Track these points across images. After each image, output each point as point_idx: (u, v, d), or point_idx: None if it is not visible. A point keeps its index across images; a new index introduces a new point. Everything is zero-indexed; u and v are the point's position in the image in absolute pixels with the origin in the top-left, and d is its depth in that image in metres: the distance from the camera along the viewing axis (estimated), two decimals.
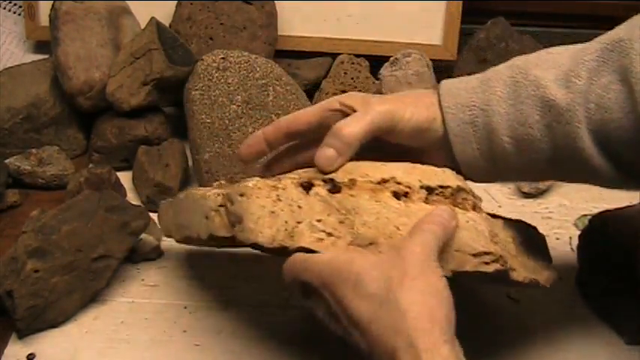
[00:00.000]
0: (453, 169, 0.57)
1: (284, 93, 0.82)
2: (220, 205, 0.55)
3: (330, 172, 0.54)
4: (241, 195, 0.53)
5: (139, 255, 0.73)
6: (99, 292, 0.69)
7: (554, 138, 0.53)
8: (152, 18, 0.87)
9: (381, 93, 0.96)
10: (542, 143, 0.53)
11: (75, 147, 0.92)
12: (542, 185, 0.85)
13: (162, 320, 0.67)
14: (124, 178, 0.84)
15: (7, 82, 0.89)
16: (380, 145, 0.58)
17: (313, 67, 1.00)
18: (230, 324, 0.67)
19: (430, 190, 0.54)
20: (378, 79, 0.97)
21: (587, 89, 0.52)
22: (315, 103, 0.93)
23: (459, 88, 0.57)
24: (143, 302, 0.70)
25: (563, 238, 0.78)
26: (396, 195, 0.54)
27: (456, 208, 0.54)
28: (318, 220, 0.52)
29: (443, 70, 0.99)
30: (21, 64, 0.94)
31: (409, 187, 0.54)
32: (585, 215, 0.80)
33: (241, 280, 0.72)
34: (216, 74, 0.81)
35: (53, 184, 0.85)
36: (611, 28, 0.57)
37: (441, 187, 0.55)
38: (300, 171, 0.56)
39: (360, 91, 0.94)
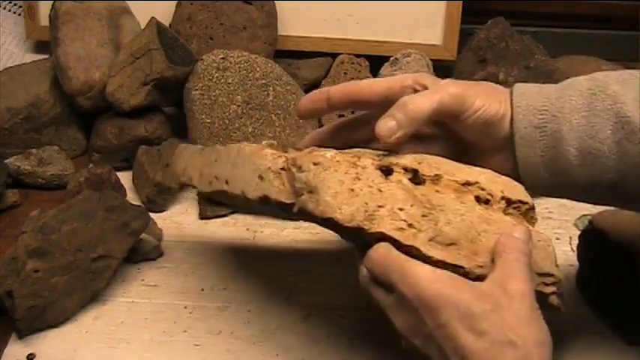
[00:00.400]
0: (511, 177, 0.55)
1: (284, 93, 0.82)
2: (282, 169, 0.53)
3: (390, 147, 0.52)
4: (315, 164, 0.51)
5: (139, 255, 0.73)
6: (99, 292, 0.69)
7: (622, 156, 0.51)
8: (152, 18, 0.87)
9: None
10: (609, 160, 0.51)
11: (75, 147, 0.92)
12: None
13: (162, 320, 0.67)
14: (124, 178, 0.84)
15: (7, 82, 0.89)
16: (437, 135, 0.56)
17: (313, 67, 1.00)
18: (230, 324, 0.67)
19: (509, 202, 0.53)
20: None
21: None
22: None
23: (533, 91, 0.55)
24: (143, 302, 0.70)
25: (563, 238, 0.78)
26: (478, 200, 0.52)
27: (530, 226, 0.53)
28: (400, 209, 0.50)
29: (443, 70, 0.99)
30: (21, 64, 0.94)
31: (491, 195, 0.53)
32: (585, 215, 0.80)
33: (241, 280, 0.72)
34: (216, 74, 0.81)
35: (53, 184, 0.85)
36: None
37: (520, 201, 0.53)
38: (372, 152, 0.54)
39: None
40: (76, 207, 0.69)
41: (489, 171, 0.54)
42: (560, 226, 0.80)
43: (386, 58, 0.98)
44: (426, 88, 0.54)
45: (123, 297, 0.70)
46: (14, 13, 1.07)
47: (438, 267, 0.49)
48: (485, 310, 0.45)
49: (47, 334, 0.66)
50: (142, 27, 0.89)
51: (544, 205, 0.84)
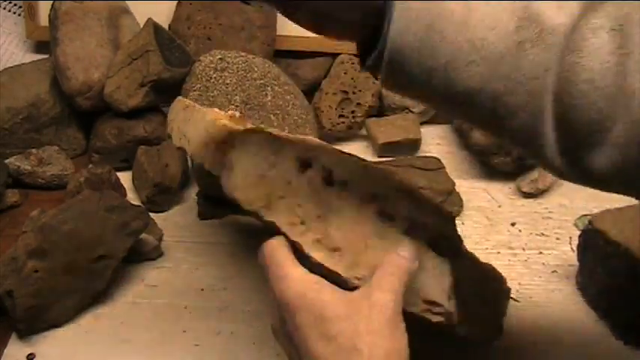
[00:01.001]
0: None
1: (282, 93, 0.82)
2: (223, 142, 0.54)
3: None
4: (241, 142, 0.52)
5: (138, 255, 0.73)
6: (99, 292, 0.69)
7: (519, 61, 0.42)
8: (149, 19, 0.86)
9: (380, 93, 0.96)
10: (504, 63, 0.42)
11: (75, 147, 0.92)
12: (542, 185, 0.84)
13: (162, 320, 0.67)
14: (124, 178, 0.84)
15: (7, 82, 0.89)
16: None
17: (313, 67, 1.00)
18: (229, 324, 0.67)
19: (414, 223, 0.53)
20: (377, 79, 0.97)
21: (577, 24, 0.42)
22: (315, 103, 0.94)
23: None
24: (143, 302, 0.70)
25: (563, 238, 0.78)
26: (381, 214, 0.53)
27: (430, 251, 0.53)
28: (299, 205, 0.51)
29: None
30: (21, 64, 0.94)
31: (396, 213, 0.53)
32: (585, 215, 0.80)
33: (241, 280, 0.72)
34: (214, 75, 0.81)
35: (53, 184, 0.85)
36: None
37: (424, 224, 0.53)
38: (305, 138, 0.54)
39: (360, 90, 0.94)
40: (76, 207, 0.69)
41: (413, 192, 0.53)
42: (560, 226, 0.80)
43: None
44: None
45: (123, 297, 0.70)
46: (14, 13, 1.07)
47: (317, 270, 0.49)
48: (339, 315, 0.45)
49: (47, 334, 0.66)
50: (142, 27, 0.89)
51: (544, 205, 0.84)
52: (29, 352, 0.64)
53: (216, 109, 0.60)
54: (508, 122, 0.44)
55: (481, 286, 0.59)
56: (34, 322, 0.65)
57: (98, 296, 0.69)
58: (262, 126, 0.55)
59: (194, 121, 0.60)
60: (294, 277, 0.47)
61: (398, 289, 0.47)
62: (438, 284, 0.53)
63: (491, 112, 0.44)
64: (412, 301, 0.52)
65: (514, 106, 0.43)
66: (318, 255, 0.50)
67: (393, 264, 0.48)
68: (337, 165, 0.53)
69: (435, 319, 0.53)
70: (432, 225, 0.53)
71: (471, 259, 0.58)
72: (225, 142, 0.54)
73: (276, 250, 0.49)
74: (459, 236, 0.56)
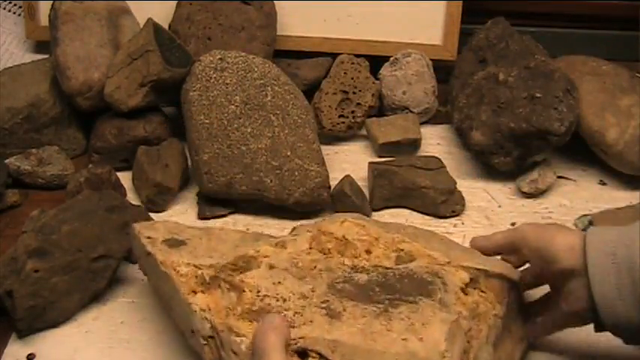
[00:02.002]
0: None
1: (282, 93, 0.82)
2: (210, 337, 0.55)
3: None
4: (235, 353, 0.53)
5: None
6: (99, 292, 0.69)
7: None
8: (149, 19, 0.86)
9: (380, 93, 0.96)
10: None
11: (75, 147, 0.92)
12: (542, 185, 0.84)
13: (163, 320, 0.67)
14: (124, 178, 0.84)
15: (7, 82, 0.89)
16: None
17: (313, 67, 1.00)
18: None
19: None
20: (378, 79, 0.97)
21: None
22: (315, 103, 0.94)
23: (605, 228, 0.57)
24: (143, 302, 0.70)
25: None
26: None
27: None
28: None
29: (443, 70, 0.99)
30: (21, 64, 0.94)
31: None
32: (585, 215, 0.80)
33: None
34: (214, 75, 0.81)
35: (53, 184, 0.85)
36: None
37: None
38: (293, 318, 0.55)
39: (360, 90, 0.94)
40: (76, 207, 0.69)
41: (411, 347, 0.53)
42: None
43: (386, 58, 0.98)
44: None
45: (123, 297, 0.70)
46: (14, 13, 1.07)
47: None
48: None
49: (47, 334, 0.66)
50: (142, 27, 0.89)
51: (544, 205, 0.84)
52: (29, 352, 0.64)
53: (180, 283, 0.58)
54: None
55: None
56: (34, 322, 0.65)
57: (98, 296, 0.69)
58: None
59: (170, 294, 0.59)
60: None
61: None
62: None
63: None
64: None
65: None
66: None
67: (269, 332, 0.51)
68: (331, 352, 0.52)
69: None
70: None
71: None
72: (212, 337, 0.55)
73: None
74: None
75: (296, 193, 0.79)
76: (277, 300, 0.56)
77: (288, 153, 0.80)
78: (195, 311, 0.56)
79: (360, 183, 0.83)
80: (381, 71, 0.97)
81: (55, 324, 0.66)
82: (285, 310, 0.55)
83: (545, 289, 0.63)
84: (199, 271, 0.58)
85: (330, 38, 1.03)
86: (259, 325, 0.52)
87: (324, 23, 1.03)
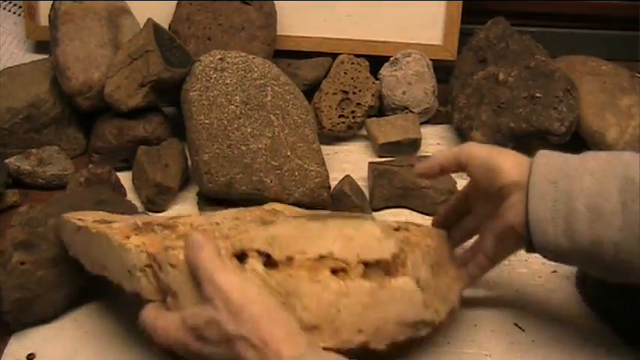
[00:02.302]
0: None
1: (282, 93, 0.82)
2: (147, 266, 0.54)
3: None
4: (172, 265, 0.53)
5: None
6: (88, 286, 0.68)
7: (626, 216, 0.53)
8: (149, 19, 0.86)
9: (380, 93, 0.96)
10: (614, 218, 0.53)
11: (75, 147, 0.92)
12: None
13: None
14: (124, 178, 0.84)
15: (7, 82, 0.89)
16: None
17: (313, 67, 1.00)
18: None
19: (367, 264, 0.54)
20: (378, 79, 0.97)
21: None
22: (315, 103, 0.94)
23: (555, 154, 0.59)
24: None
25: None
26: (334, 272, 0.53)
27: (390, 278, 0.54)
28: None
29: (443, 70, 0.99)
30: (21, 64, 0.94)
31: (346, 264, 0.53)
32: None
33: None
34: (214, 75, 0.81)
35: (53, 184, 0.85)
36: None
37: (378, 261, 0.54)
38: (228, 232, 0.55)
39: (360, 90, 0.94)
40: (64, 201, 0.69)
41: (346, 232, 0.54)
42: None
43: (386, 58, 0.98)
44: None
45: (123, 296, 0.70)
46: (14, 13, 1.07)
47: None
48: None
49: (47, 334, 0.66)
50: (142, 27, 0.89)
51: None
52: (29, 352, 0.64)
53: (114, 230, 0.58)
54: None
55: (437, 247, 0.63)
56: (22, 316, 0.64)
57: (97, 295, 0.69)
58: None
59: (100, 247, 0.58)
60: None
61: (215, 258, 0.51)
62: (411, 306, 0.55)
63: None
64: (398, 332, 0.53)
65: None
66: None
67: (196, 246, 0.52)
68: (269, 245, 0.53)
69: (424, 332, 0.55)
70: (378, 260, 0.55)
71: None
72: (149, 266, 0.54)
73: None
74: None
75: (296, 193, 0.79)
76: (211, 224, 0.57)
77: (288, 153, 0.80)
78: (130, 249, 0.55)
79: (360, 183, 0.83)
80: (381, 71, 0.97)
81: (44, 318, 0.66)
82: (219, 231, 0.55)
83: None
84: (131, 221, 0.59)
85: (330, 38, 1.03)
86: (185, 249, 0.52)
87: (324, 23, 1.03)
